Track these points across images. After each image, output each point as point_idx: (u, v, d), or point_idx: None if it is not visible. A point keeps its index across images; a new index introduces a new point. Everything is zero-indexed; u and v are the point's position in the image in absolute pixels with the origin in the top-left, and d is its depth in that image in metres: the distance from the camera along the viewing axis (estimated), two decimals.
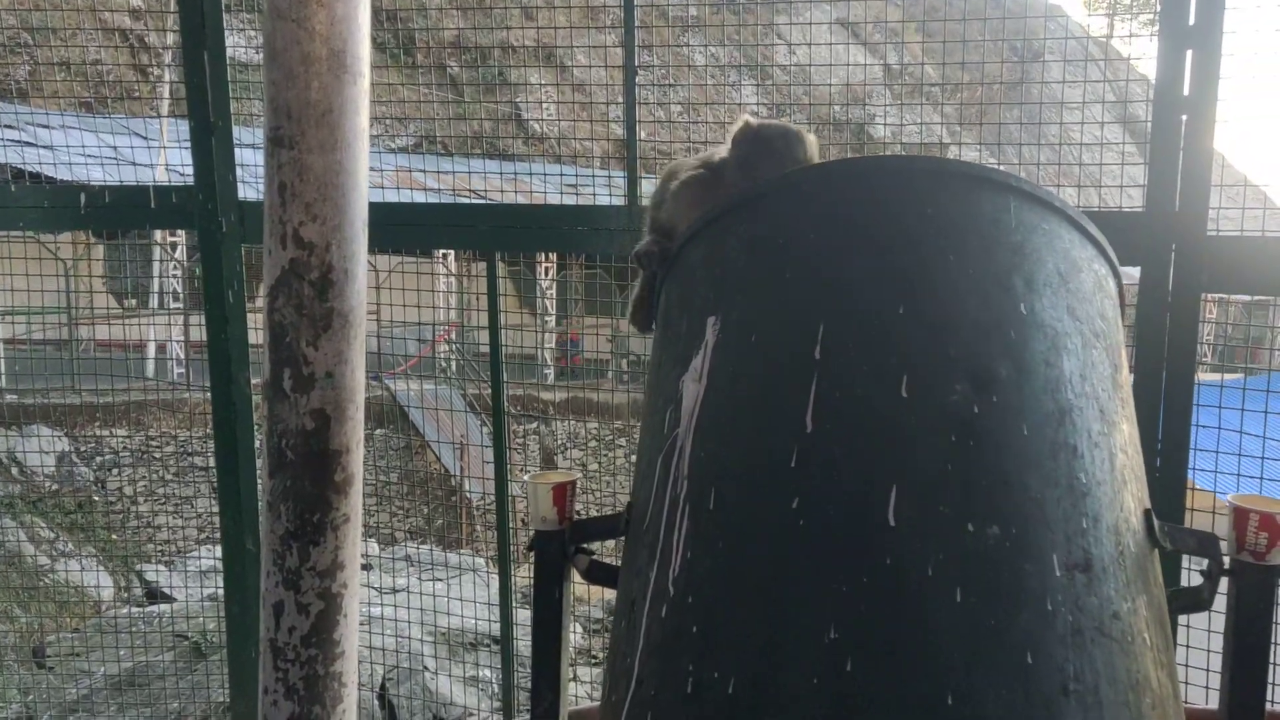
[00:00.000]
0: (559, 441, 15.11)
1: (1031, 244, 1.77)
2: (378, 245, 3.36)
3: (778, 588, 1.44)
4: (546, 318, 15.36)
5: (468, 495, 12.68)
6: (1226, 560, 1.81)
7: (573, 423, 14.91)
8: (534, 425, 14.78)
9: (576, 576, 1.97)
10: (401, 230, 3.83)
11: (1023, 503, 1.46)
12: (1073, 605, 1.42)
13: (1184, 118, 2.88)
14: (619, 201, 3.80)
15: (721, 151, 2.42)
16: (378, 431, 14.16)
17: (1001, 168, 2.10)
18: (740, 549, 1.50)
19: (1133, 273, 3.05)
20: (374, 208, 2.36)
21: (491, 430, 4.04)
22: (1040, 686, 1.35)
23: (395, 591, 5.88)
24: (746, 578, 1.47)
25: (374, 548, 7.39)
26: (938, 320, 1.62)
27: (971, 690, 1.32)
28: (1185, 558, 3.34)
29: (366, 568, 6.52)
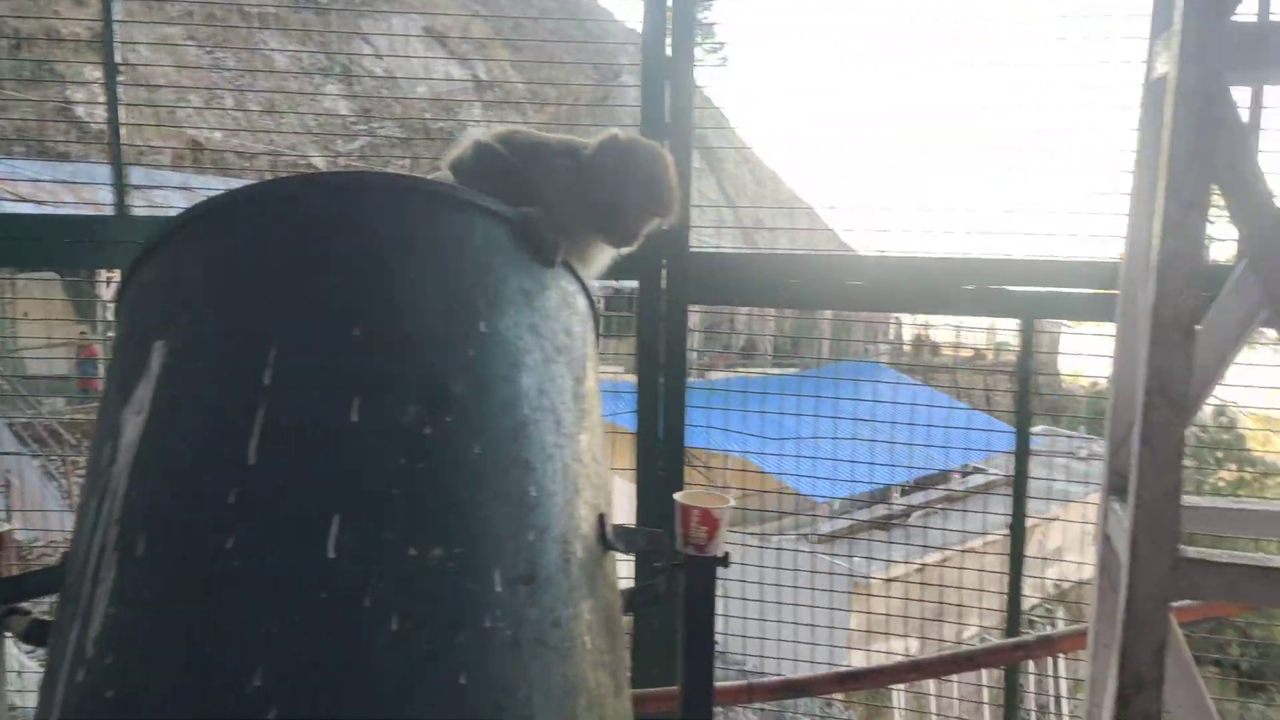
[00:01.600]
0: None
1: (497, 263, 1.79)
2: None
3: (203, 639, 1.35)
4: (110, 335, 13.87)
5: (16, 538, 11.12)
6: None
7: None
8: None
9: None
10: None
11: (470, 521, 1.49)
12: (513, 619, 1.47)
13: (666, 143, 3.11)
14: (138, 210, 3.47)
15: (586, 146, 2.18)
16: None
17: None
18: (168, 600, 1.39)
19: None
20: None
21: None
22: (473, 705, 1.38)
23: None
24: (171, 632, 1.37)
25: None
26: (395, 339, 1.61)
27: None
28: None
29: None
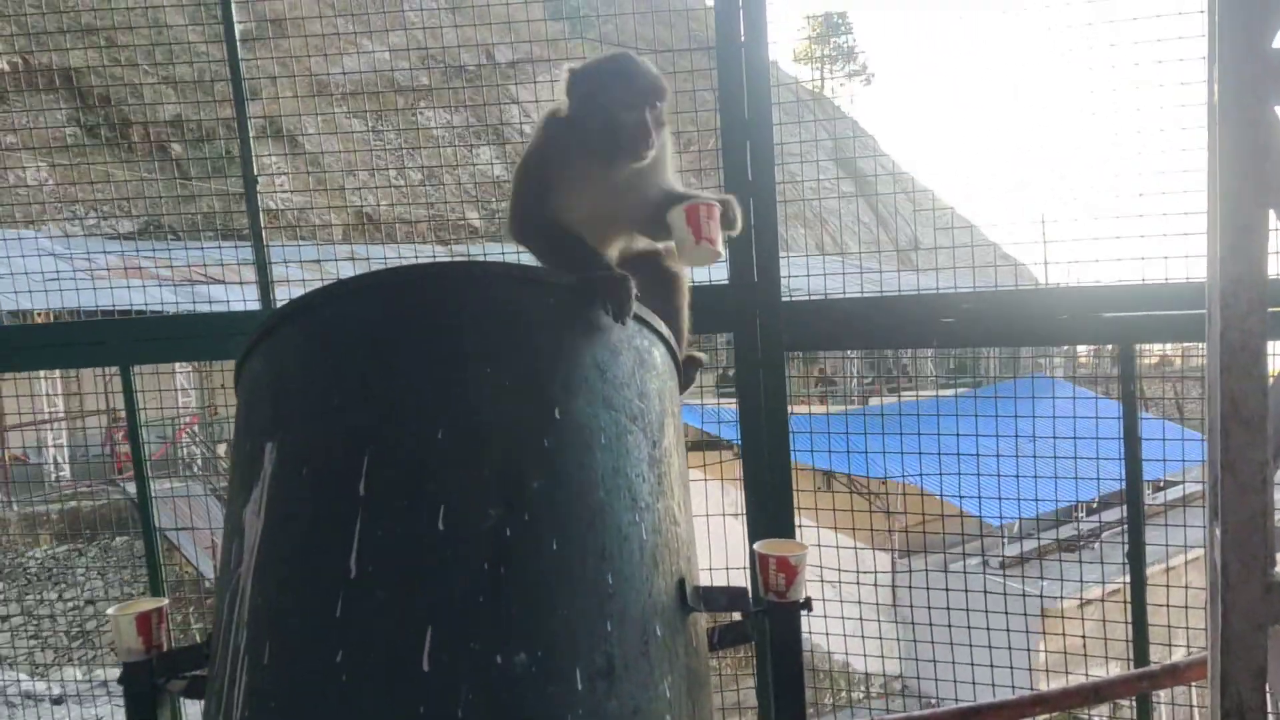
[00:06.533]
0: None
1: (569, 340, 1.85)
2: (16, 366, 3.27)
3: None
4: None
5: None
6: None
7: None
8: None
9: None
10: (35, 353, 3.70)
11: (550, 623, 1.56)
12: (593, 714, 1.54)
13: (751, 200, 3.24)
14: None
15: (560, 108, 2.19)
16: (118, 539, 13.24)
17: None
18: (290, 709, 1.52)
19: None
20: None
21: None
22: None
23: None
24: None
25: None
26: (474, 440, 1.67)
27: None
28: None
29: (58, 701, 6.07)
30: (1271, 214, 1.89)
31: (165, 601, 1.99)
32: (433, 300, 1.84)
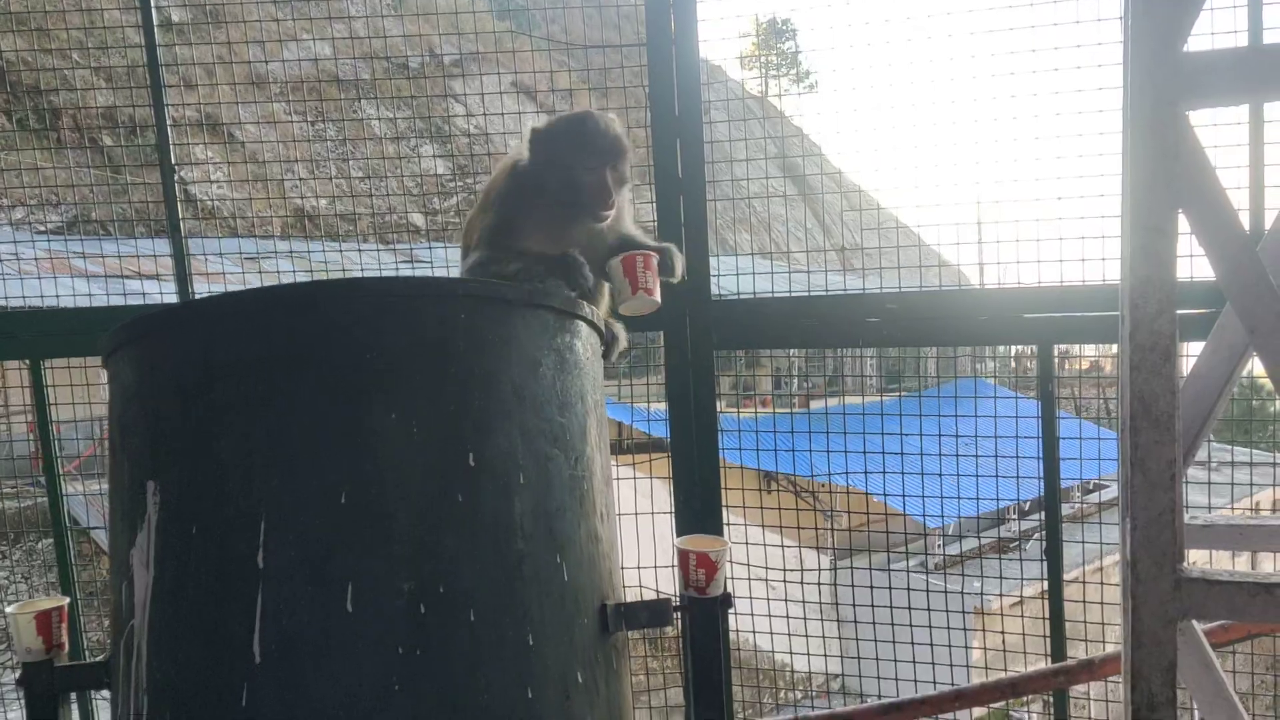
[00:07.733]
0: None
1: (483, 365, 1.67)
2: None
3: None
4: None
5: None
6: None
7: None
8: None
9: None
10: None
11: (469, 707, 1.49)
12: None
13: (681, 197, 3.24)
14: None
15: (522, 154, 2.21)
16: (43, 542, 12.89)
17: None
18: None
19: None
20: None
21: None
22: None
23: None
24: None
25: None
26: (381, 505, 1.53)
27: None
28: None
29: None
30: (1181, 216, 1.93)
31: (66, 600, 1.92)
32: (334, 326, 1.63)
